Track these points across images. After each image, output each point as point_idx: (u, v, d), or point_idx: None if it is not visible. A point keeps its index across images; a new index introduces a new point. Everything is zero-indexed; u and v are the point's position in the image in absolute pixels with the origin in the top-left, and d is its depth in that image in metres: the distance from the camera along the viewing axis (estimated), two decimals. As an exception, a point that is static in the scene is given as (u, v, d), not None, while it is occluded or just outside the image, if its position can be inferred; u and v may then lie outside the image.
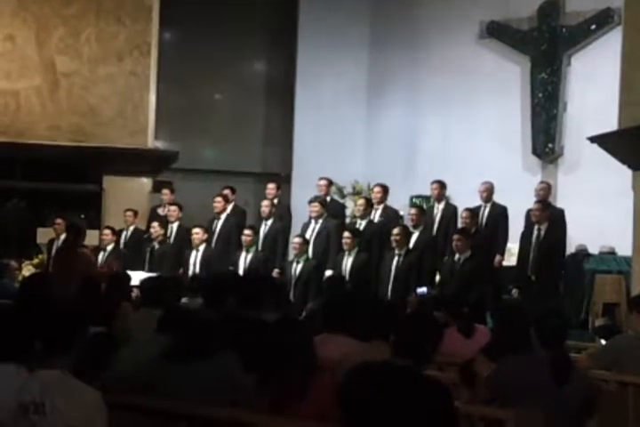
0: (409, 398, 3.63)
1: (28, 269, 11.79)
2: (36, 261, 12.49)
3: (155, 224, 11.52)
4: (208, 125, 15.82)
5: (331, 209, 11.44)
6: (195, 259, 10.99)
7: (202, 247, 11.02)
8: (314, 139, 15.07)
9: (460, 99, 14.24)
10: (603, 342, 7.93)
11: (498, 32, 14.27)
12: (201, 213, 12.29)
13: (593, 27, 13.52)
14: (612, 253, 11.65)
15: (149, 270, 10.60)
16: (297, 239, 10.69)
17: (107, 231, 11.81)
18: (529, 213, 10.44)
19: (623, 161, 10.08)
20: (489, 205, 11.00)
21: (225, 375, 4.39)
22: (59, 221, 12.14)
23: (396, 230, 10.26)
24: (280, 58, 16.10)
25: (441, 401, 3.72)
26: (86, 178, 13.73)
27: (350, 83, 15.24)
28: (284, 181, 14.21)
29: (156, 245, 11.34)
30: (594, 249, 11.85)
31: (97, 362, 4.28)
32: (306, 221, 11.21)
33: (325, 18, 15.13)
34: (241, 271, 10.50)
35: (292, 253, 10.86)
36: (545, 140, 13.69)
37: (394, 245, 10.19)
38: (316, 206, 11.03)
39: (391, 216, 11.24)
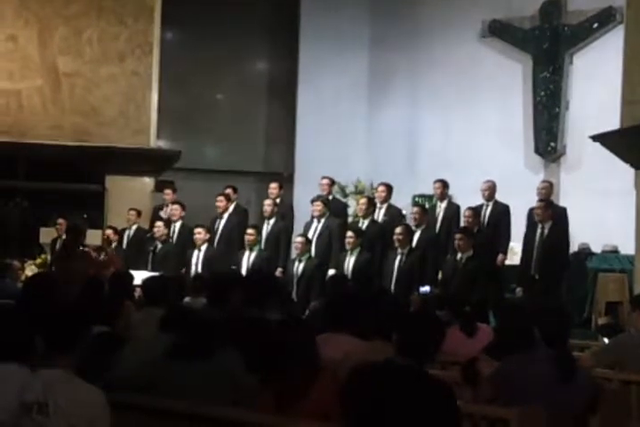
0: (412, 397, 3.64)
1: (30, 269, 11.79)
2: (38, 260, 12.49)
3: (159, 224, 11.51)
4: (210, 125, 15.82)
5: (333, 208, 11.44)
6: (197, 258, 10.99)
7: (204, 247, 11.03)
8: (316, 138, 15.08)
9: (462, 97, 14.24)
10: (605, 340, 7.92)
11: (500, 31, 14.27)
12: (203, 212, 12.29)
13: (595, 25, 13.51)
14: (615, 251, 11.65)
15: (152, 270, 10.59)
16: (299, 239, 10.69)
17: (109, 231, 11.83)
18: (531, 212, 10.43)
19: (625, 160, 10.08)
20: (491, 204, 10.99)
21: (227, 375, 4.39)
22: (60, 221, 12.16)
23: (398, 230, 10.25)
24: (282, 57, 16.10)
25: (444, 400, 3.73)
26: (89, 178, 13.74)
27: (352, 81, 15.24)
28: (286, 180, 14.19)
29: (159, 245, 11.35)
30: (596, 248, 11.86)
31: (100, 361, 4.28)
32: (308, 221, 11.21)
33: (327, 16, 15.13)
34: (244, 271, 10.50)
35: (294, 253, 10.86)
36: (547, 138, 13.68)
37: (396, 244, 10.19)
38: (319, 206, 11.03)
39: (395, 215, 11.24)
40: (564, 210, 10.74)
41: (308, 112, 15.30)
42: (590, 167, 13.00)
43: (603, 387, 4.95)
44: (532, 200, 10.58)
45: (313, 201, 11.21)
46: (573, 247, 11.44)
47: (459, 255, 9.83)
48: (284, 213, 11.80)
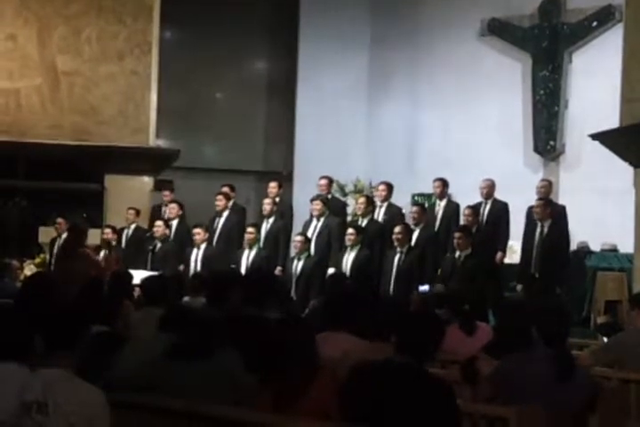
0: (411, 396, 3.64)
1: (29, 269, 11.80)
2: (37, 260, 12.50)
3: (159, 223, 11.52)
4: (209, 124, 15.82)
5: (332, 207, 11.44)
6: (196, 257, 11.00)
7: (203, 245, 11.03)
8: (315, 137, 15.07)
9: (461, 96, 14.24)
10: (605, 339, 7.92)
11: (499, 29, 14.26)
12: (203, 211, 12.29)
13: (594, 24, 13.50)
14: (614, 250, 11.64)
15: (151, 269, 10.60)
16: (298, 237, 10.70)
17: (107, 230, 11.82)
18: (530, 211, 10.43)
19: (625, 158, 10.08)
20: (490, 202, 10.98)
21: (227, 374, 4.39)
22: (60, 220, 12.15)
23: (397, 229, 10.26)
24: (281, 56, 16.10)
25: (443, 399, 3.73)
26: (88, 177, 13.75)
27: (351, 80, 15.24)
28: (285, 179, 14.20)
29: (158, 244, 11.34)
30: (595, 246, 11.85)
31: (99, 361, 4.27)
32: (307, 220, 11.21)
33: (326, 15, 15.13)
34: (243, 269, 10.51)
35: (293, 252, 10.86)
36: (546, 137, 13.68)
37: (395, 243, 10.20)
38: (318, 205, 11.03)
39: (395, 214, 11.24)
40: (563, 208, 10.74)
41: (307, 111, 15.29)
42: (589, 166, 13.00)
43: (602, 386, 4.94)
44: (532, 199, 10.58)
45: (312, 200, 11.21)
46: (572, 246, 11.44)
47: (457, 253, 9.84)
48: (284, 211, 11.80)
